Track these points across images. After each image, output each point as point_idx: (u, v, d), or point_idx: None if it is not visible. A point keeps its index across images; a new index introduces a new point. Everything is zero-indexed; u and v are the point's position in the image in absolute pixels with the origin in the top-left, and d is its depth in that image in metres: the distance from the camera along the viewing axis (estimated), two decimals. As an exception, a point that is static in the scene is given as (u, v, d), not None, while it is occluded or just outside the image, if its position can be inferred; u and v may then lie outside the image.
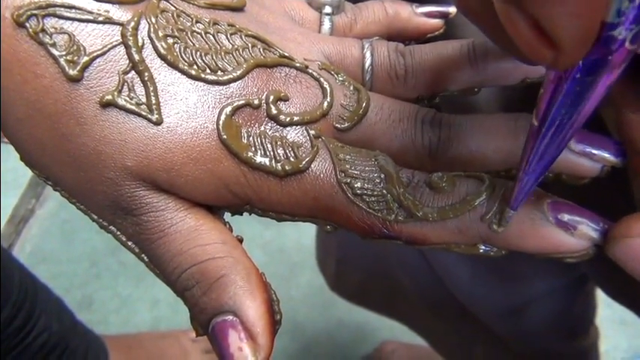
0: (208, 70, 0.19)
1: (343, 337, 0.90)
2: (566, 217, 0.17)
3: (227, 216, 0.21)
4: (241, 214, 0.21)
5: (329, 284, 0.67)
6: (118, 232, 0.20)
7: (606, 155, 0.19)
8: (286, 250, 0.99)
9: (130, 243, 0.20)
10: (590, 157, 0.19)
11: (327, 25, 0.24)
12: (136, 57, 0.18)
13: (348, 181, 0.18)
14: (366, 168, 0.19)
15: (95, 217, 0.20)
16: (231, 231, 0.20)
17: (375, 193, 0.18)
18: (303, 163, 0.19)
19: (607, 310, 0.86)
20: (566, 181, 0.19)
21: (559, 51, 0.11)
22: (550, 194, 0.18)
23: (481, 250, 0.18)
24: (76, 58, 0.18)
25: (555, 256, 0.18)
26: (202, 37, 0.19)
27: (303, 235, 0.99)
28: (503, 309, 0.47)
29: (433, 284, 0.50)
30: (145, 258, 0.20)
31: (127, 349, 0.74)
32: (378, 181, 0.19)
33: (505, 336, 0.51)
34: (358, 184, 0.18)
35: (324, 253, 0.65)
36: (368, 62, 0.22)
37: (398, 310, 0.63)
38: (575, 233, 0.17)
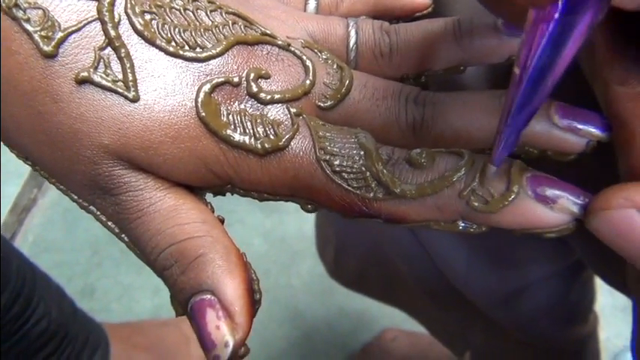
0: (187, 47, 0.19)
1: (344, 324, 0.90)
2: (545, 190, 0.17)
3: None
4: (224, 195, 0.21)
5: (328, 272, 0.67)
6: (98, 212, 0.19)
7: (592, 130, 0.18)
8: (287, 238, 0.99)
9: (110, 223, 0.20)
10: (575, 132, 0.18)
11: (312, 3, 0.24)
12: (112, 33, 0.18)
13: (327, 158, 0.18)
14: (346, 145, 0.18)
15: (75, 197, 0.19)
16: (213, 211, 0.20)
17: (354, 170, 0.18)
18: (283, 140, 0.18)
19: (609, 298, 0.86)
20: (552, 158, 0.19)
21: None
22: (530, 168, 0.18)
23: (460, 227, 0.18)
24: (50, 33, 0.18)
25: (534, 231, 0.17)
26: (181, 14, 0.19)
27: (304, 223, 0.99)
28: (499, 295, 0.47)
29: (430, 271, 0.49)
30: (125, 238, 0.20)
31: (127, 336, 0.74)
32: (357, 158, 0.18)
33: (503, 323, 0.51)
34: (337, 162, 0.18)
35: (322, 241, 0.65)
36: (352, 41, 0.22)
37: (397, 297, 0.63)
38: (554, 207, 0.17)
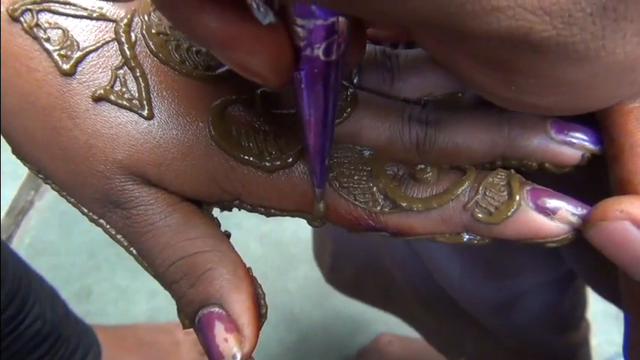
0: (200, 68, 0.19)
1: (339, 329, 0.91)
2: (545, 202, 0.18)
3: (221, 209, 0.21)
4: (231, 210, 0.21)
5: (325, 277, 0.68)
6: (108, 226, 0.20)
7: (586, 143, 0.19)
8: (284, 242, 0.99)
9: (119, 236, 0.20)
10: (570, 146, 0.19)
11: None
12: (129, 53, 0.19)
13: (335, 174, 0.19)
14: (352, 161, 0.19)
15: (85, 210, 0.20)
16: (219, 226, 0.21)
17: (362, 185, 0.19)
18: (291, 158, 0.19)
19: (600, 305, 0.86)
20: (550, 170, 0.20)
21: (265, 80, 0.15)
22: (530, 182, 0.19)
23: (465, 239, 0.19)
24: (69, 52, 0.18)
25: (536, 241, 0.18)
26: None
27: (301, 228, 0.99)
28: (493, 304, 0.48)
29: (424, 279, 0.50)
30: (134, 251, 0.20)
31: (119, 339, 0.75)
32: (363, 174, 0.19)
33: (496, 330, 0.52)
34: (345, 178, 0.19)
35: (320, 246, 0.66)
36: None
37: (392, 303, 0.64)
38: (554, 218, 0.18)
